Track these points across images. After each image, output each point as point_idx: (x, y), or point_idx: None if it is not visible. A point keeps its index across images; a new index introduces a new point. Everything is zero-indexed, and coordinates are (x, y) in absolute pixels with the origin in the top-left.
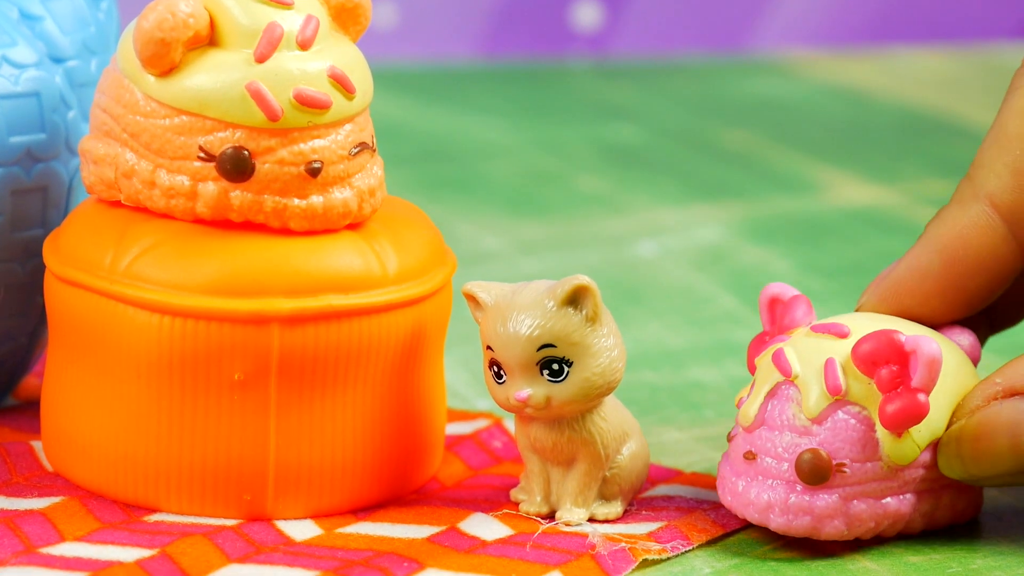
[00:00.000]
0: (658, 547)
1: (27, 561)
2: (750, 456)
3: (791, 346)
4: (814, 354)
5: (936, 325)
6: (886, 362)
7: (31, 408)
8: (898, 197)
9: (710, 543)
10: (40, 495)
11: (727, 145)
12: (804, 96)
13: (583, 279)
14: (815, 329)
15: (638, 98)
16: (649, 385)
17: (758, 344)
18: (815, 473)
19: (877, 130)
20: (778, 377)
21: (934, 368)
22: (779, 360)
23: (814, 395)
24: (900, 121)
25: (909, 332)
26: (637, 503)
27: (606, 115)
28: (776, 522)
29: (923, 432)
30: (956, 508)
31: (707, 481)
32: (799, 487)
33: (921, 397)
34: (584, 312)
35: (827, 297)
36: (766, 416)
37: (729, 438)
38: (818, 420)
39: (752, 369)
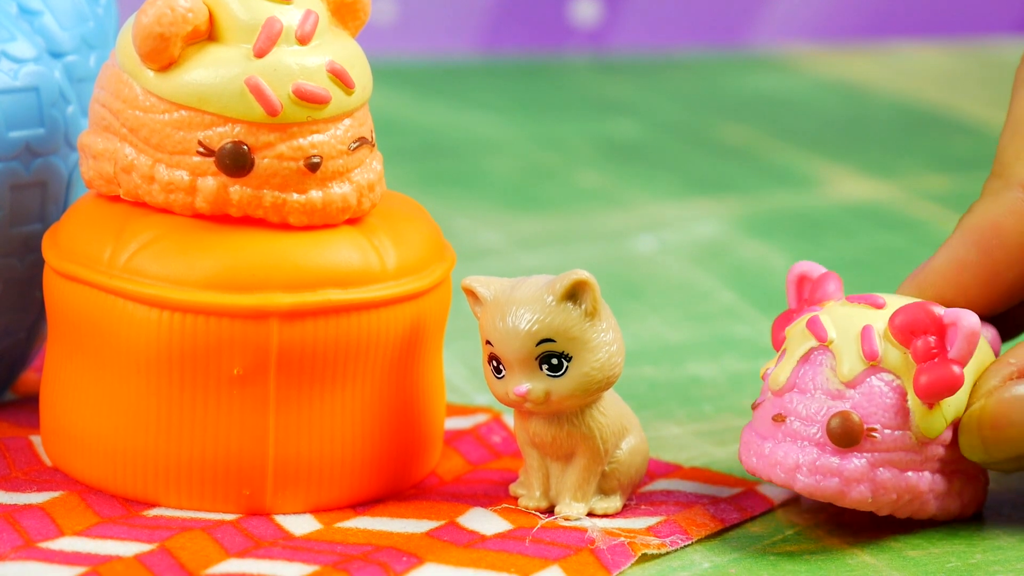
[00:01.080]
0: (657, 541)
1: (26, 555)
2: (779, 419)
3: (826, 314)
4: (850, 321)
5: None
6: (923, 332)
7: (30, 403)
8: (897, 192)
9: (709, 538)
10: (39, 490)
11: (726, 140)
12: (803, 91)
13: (582, 274)
14: (850, 299)
15: (637, 93)
16: (648, 380)
17: (784, 320)
18: (846, 434)
19: (876, 125)
20: (812, 342)
21: (972, 340)
22: (814, 326)
23: (849, 359)
24: (899, 116)
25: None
26: (636, 498)
27: (605, 110)
28: (803, 482)
29: (951, 407)
30: (963, 498)
31: (706, 476)
32: (829, 449)
33: (956, 369)
34: (583, 307)
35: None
36: (797, 380)
37: (754, 407)
38: (852, 384)
39: (777, 345)
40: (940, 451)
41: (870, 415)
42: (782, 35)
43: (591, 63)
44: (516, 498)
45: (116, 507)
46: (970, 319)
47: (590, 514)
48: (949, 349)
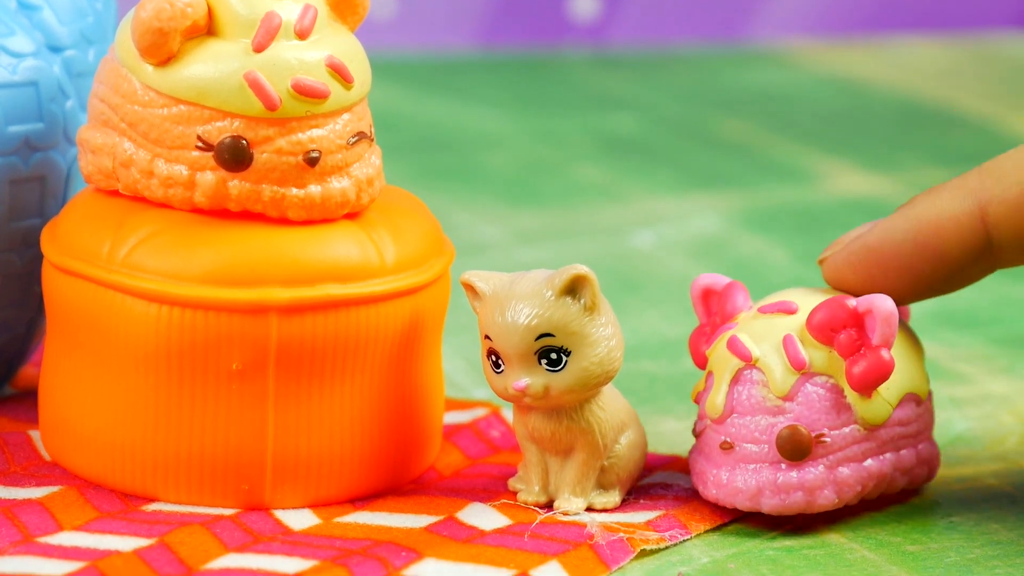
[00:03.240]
0: (656, 536)
1: (25, 550)
2: (727, 446)
3: (742, 331)
4: (768, 334)
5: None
6: (843, 327)
7: (29, 398)
8: (896, 187)
9: (708, 532)
10: (38, 484)
11: (725, 135)
12: (802, 86)
13: (581, 268)
14: (762, 311)
15: (636, 88)
16: (647, 375)
17: (699, 337)
18: (797, 448)
19: (875, 120)
20: (737, 363)
21: (892, 322)
22: (735, 346)
23: (779, 373)
24: (898, 111)
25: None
26: (635, 492)
27: (604, 105)
28: (769, 504)
29: (891, 389)
30: (932, 463)
31: None
32: (784, 465)
33: (884, 354)
34: (582, 301)
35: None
36: (734, 403)
37: (696, 433)
38: (788, 397)
39: (698, 363)
40: (897, 430)
41: (815, 422)
42: (780, 30)
43: (590, 58)
44: (515, 493)
45: (115, 502)
46: (885, 303)
47: (589, 509)
48: (871, 336)
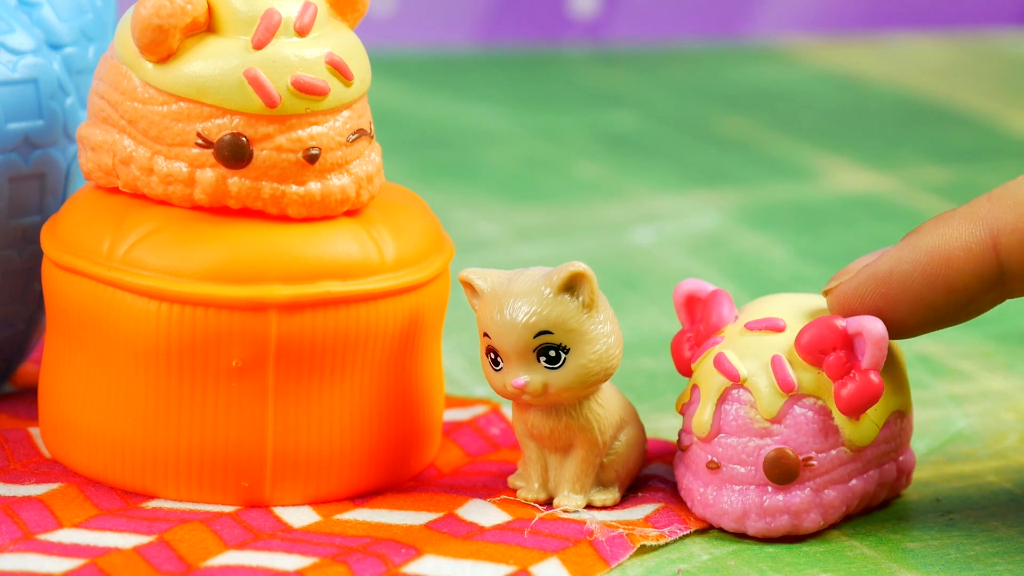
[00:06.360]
0: (656, 532)
1: (25, 548)
2: (713, 466)
3: (730, 348)
4: (756, 352)
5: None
6: (832, 349)
7: (29, 395)
8: (896, 184)
9: (708, 530)
10: (38, 482)
11: (724, 132)
12: (801, 83)
13: (580, 266)
14: (749, 327)
15: (635, 85)
16: (646, 372)
17: (681, 342)
18: (785, 472)
19: (875, 117)
20: (724, 382)
21: (882, 346)
22: (722, 365)
23: (767, 395)
24: (898, 108)
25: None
26: (635, 487)
27: (603, 102)
28: (755, 527)
29: (878, 409)
30: (910, 471)
31: None
32: (770, 488)
33: (873, 377)
34: (581, 299)
35: (824, 283)
36: (722, 423)
37: (683, 447)
38: (776, 419)
39: (682, 369)
40: (881, 448)
41: (802, 445)
42: (780, 26)
43: (589, 55)
44: (515, 490)
45: (115, 499)
46: (876, 325)
47: (588, 506)
48: (860, 359)
